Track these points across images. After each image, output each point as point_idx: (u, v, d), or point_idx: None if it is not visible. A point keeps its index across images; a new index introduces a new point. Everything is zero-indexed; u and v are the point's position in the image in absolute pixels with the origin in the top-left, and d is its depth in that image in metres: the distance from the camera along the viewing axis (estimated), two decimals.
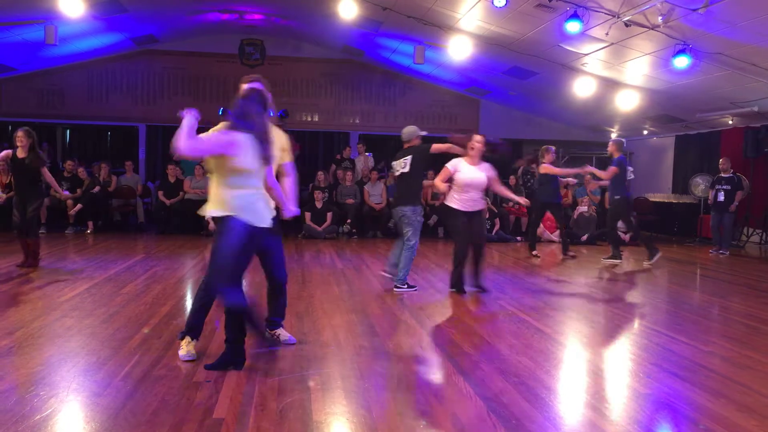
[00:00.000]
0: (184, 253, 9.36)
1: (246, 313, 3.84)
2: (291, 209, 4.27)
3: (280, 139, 4.37)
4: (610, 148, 9.49)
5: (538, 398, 3.60)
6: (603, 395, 3.77)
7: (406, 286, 6.69)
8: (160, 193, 12.26)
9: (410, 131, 6.93)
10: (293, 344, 4.49)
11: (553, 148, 9.88)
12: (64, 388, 3.55)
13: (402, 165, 6.78)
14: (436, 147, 6.68)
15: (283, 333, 4.61)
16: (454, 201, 6.69)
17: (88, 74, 14.50)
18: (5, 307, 5.53)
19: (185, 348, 4.14)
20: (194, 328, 4.20)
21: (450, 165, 6.65)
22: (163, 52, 14.78)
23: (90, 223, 11.75)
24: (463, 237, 6.67)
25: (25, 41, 11.79)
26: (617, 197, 9.33)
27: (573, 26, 8.38)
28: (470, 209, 6.65)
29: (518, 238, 12.29)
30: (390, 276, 6.91)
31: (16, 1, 9.58)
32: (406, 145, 6.93)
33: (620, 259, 9.35)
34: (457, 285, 6.69)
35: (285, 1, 12.25)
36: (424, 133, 7.04)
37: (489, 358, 4.35)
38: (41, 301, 5.73)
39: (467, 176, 6.56)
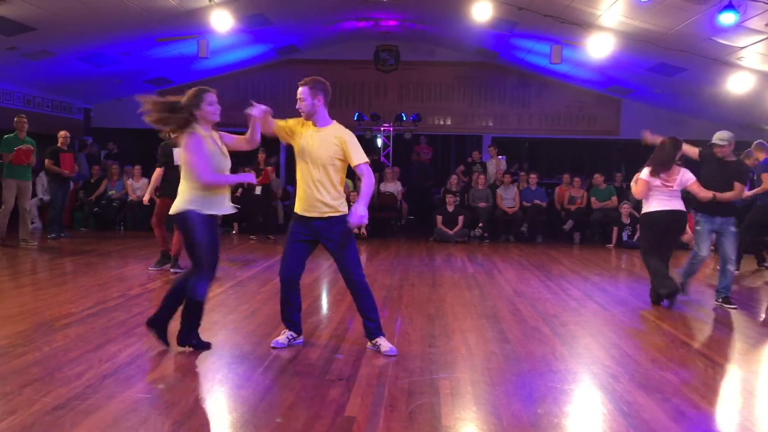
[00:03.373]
0: (320, 254, 9.66)
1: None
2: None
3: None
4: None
5: (684, 417, 3.35)
6: (759, 418, 3.44)
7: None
8: None
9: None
10: (393, 356, 4.26)
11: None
12: (210, 379, 3.79)
13: None
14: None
15: (383, 343, 4.37)
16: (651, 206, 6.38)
17: (235, 84, 15.43)
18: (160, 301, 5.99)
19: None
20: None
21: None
22: (302, 61, 15.41)
23: (235, 225, 12.48)
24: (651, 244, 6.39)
25: (181, 55, 12.79)
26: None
27: (728, 18, 7.79)
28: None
29: None
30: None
31: (174, 18, 10.41)
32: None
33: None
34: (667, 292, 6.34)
35: (420, 7, 12.36)
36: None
37: (629, 371, 4.12)
38: None
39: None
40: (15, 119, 9.50)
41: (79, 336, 4.59)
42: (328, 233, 4.32)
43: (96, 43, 11.24)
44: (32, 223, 11.65)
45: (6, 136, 9.49)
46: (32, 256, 8.72)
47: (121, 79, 13.93)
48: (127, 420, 3.12)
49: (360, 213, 4.19)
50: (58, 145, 10.57)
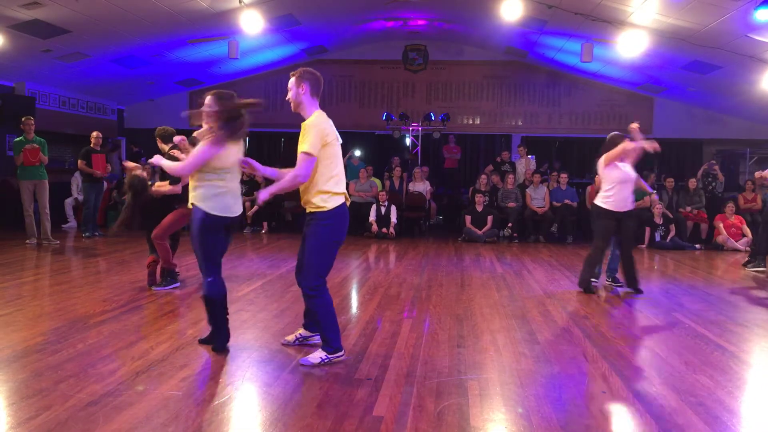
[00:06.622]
0: (348, 253, 9.72)
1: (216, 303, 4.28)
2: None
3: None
4: None
5: (719, 421, 3.28)
6: None
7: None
8: None
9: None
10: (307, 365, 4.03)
11: None
12: (240, 377, 3.82)
13: None
14: (608, 156, 6.91)
15: (316, 351, 4.12)
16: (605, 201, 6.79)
17: (264, 85, 15.57)
18: (192, 299, 6.07)
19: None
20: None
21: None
22: (332, 61, 15.48)
23: (265, 224, 12.58)
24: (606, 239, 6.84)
25: (212, 56, 12.93)
26: None
27: (764, 14, 7.65)
28: (621, 209, 6.74)
29: (696, 245, 11.36)
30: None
31: (204, 20, 10.53)
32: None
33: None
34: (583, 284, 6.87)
35: (448, 6, 12.32)
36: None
37: (662, 374, 4.05)
38: None
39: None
40: (22, 120, 9.59)
41: (112, 333, 4.67)
42: (307, 227, 4.24)
43: (128, 45, 11.42)
44: (67, 221, 11.91)
45: (16, 139, 9.63)
46: (67, 255, 8.89)
47: (153, 81, 14.14)
48: (158, 416, 3.16)
49: (262, 196, 4.19)
50: (91, 145, 10.77)
